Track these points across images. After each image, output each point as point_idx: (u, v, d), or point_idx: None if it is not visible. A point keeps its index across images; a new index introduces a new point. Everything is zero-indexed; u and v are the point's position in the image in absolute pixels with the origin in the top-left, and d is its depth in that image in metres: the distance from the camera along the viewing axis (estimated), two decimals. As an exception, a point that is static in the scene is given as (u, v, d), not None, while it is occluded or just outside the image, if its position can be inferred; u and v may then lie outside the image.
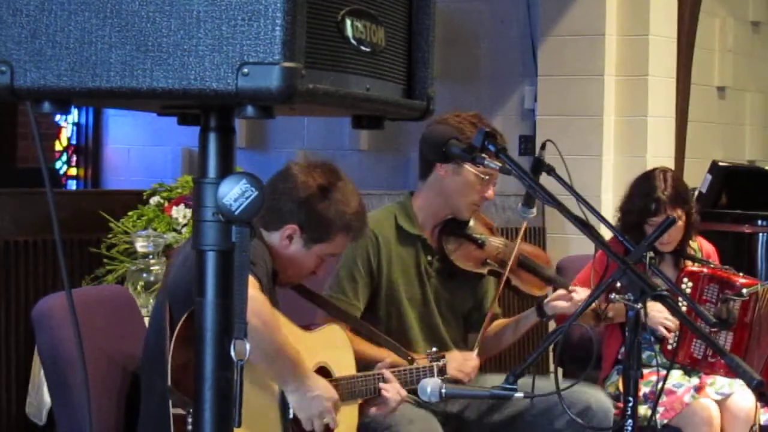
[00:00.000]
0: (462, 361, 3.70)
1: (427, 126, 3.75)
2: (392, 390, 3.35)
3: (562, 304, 3.79)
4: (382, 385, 3.35)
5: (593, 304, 3.51)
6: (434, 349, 3.57)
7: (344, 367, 3.35)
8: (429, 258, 3.79)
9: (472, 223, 3.86)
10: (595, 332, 4.25)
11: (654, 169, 4.40)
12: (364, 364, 3.49)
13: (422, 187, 3.82)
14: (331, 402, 3.09)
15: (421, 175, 3.83)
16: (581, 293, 3.78)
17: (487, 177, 3.70)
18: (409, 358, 3.49)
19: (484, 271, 3.82)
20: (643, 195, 4.29)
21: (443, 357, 3.58)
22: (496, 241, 3.87)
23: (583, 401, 3.66)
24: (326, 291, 3.71)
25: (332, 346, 3.35)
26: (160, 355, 2.92)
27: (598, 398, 3.73)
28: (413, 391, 3.41)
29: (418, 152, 3.82)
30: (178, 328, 2.86)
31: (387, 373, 3.38)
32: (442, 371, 3.53)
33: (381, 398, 3.36)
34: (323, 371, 3.26)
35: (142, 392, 3.08)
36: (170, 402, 2.86)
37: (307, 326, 3.30)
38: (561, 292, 3.83)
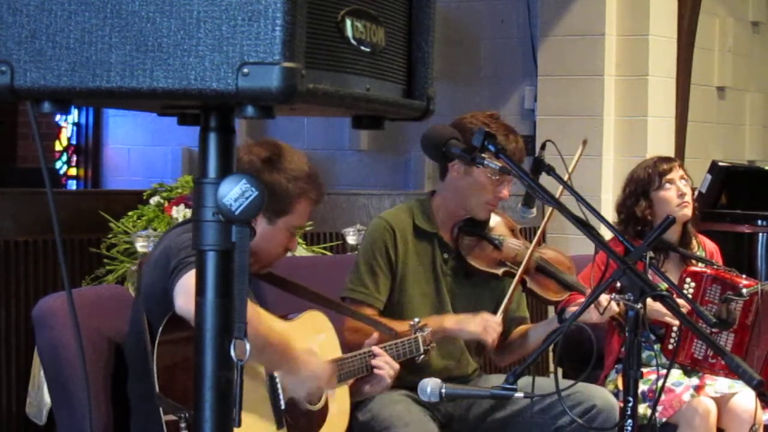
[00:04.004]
0: (484, 319, 3.68)
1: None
2: (385, 365, 3.35)
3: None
4: (373, 362, 3.35)
5: (610, 309, 3.52)
6: (416, 319, 3.56)
7: (330, 350, 3.36)
8: (445, 256, 3.80)
9: (492, 223, 3.87)
10: (596, 331, 4.25)
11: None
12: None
13: (440, 188, 3.85)
14: (323, 380, 3.11)
15: (440, 175, 3.86)
16: (603, 301, 3.77)
17: (497, 177, 3.69)
18: (393, 332, 3.48)
19: (499, 272, 3.81)
20: (644, 168, 4.35)
21: (426, 326, 3.57)
22: (514, 243, 3.86)
23: (588, 400, 3.67)
24: (346, 285, 3.72)
25: (315, 332, 3.35)
26: (144, 363, 2.92)
27: (603, 397, 3.73)
28: (401, 365, 3.44)
29: None
30: (159, 333, 2.86)
31: (377, 349, 3.37)
32: (427, 341, 3.54)
33: (374, 375, 3.36)
34: None
35: (131, 401, 3.08)
36: (161, 409, 2.85)
37: (285, 315, 3.29)
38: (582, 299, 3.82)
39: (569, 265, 3.99)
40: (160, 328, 2.85)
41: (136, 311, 3.06)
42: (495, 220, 3.88)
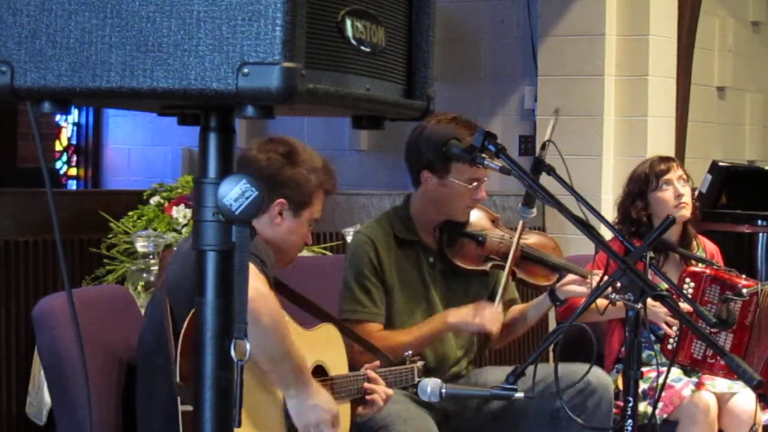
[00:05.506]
0: (486, 309, 3.67)
1: (412, 134, 3.77)
2: (379, 390, 3.35)
3: (575, 288, 3.77)
4: (366, 385, 3.35)
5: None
6: (409, 352, 3.54)
7: (338, 366, 3.36)
8: (430, 260, 3.78)
9: (473, 218, 3.85)
10: (596, 331, 4.25)
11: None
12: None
13: (415, 194, 3.83)
14: (329, 415, 3.05)
15: (413, 183, 3.84)
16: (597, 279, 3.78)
17: (474, 184, 3.69)
18: (391, 360, 3.48)
19: (487, 267, 3.80)
20: (642, 168, 4.35)
21: (420, 359, 3.57)
22: (497, 236, 3.84)
23: (582, 379, 3.66)
24: (342, 308, 3.70)
25: (328, 345, 3.35)
26: (161, 355, 2.91)
27: (597, 374, 3.73)
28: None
29: (405, 161, 3.84)
30: (186, 324, 2.85)
31: (372, 373, 3.37)
32: (420, 372, 3.53)
33: (368, 398, 3.36)
34: (320, 369, 3.27)
35: (141, 392, 3.07)
36: (179, 399, 2.85)
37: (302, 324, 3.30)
38: (573, 277, 3.81)
39: (554, 245, 3.99)
40: (187, 319, 2.84)
41: (155, 304, 3.05)
42: (475, 215, 3.86)
